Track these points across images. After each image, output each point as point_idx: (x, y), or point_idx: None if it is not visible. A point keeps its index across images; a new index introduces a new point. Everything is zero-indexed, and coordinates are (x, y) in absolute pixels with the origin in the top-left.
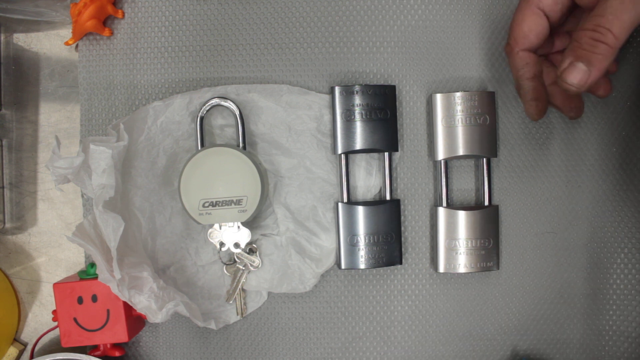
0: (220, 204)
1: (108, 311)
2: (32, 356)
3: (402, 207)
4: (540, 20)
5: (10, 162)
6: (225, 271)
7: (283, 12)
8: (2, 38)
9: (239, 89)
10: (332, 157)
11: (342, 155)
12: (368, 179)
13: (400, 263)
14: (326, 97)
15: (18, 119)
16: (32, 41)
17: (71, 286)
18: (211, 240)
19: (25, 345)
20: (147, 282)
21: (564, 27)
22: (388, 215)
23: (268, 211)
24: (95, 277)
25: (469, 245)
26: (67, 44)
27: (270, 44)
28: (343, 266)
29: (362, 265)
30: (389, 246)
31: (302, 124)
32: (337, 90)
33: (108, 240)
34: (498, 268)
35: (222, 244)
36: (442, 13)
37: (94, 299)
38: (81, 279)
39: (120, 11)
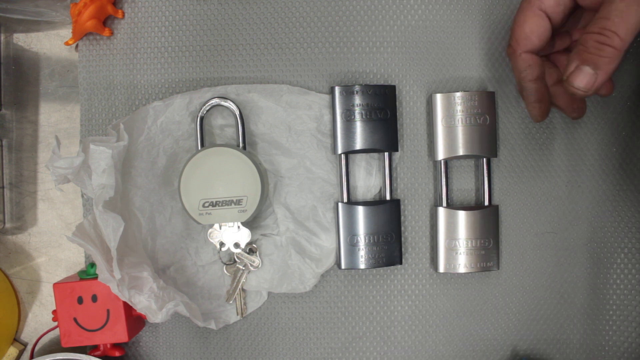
0: (220, 204)
1: (108, 311)
2: (32, 356)
3: (402, 207)
4: (542, 22)
5: (10, 162)
6: (225, 271)
7: (283, 12)
8: (2, 38)
9: (239, 89)
10: (332, 157)
11: (342, 155)
12: (368, 179)
13: (400, 263)
14: (326, 97)
15: (18, 119)
16: (32, 41)
17: (71, 286)
18: (211, 240)
19: (25, 345)
20: (147, 282)
21: (564, 27)
22: (388, 215)
23: (268, 211)
24: (95, 277)
25: (469, 245)
26: (67, 44)
27: (270, 44)
28: (343, 266)
29: (362, 265)
30: (389, 246)
31: (302, 124)
32: (337, 90)
33: (108, 240)
34: (498, 268)
35: (222, 244)
36: (442, 13)
37: (94, 299)
38: (81, 279)
39: (120, 11)
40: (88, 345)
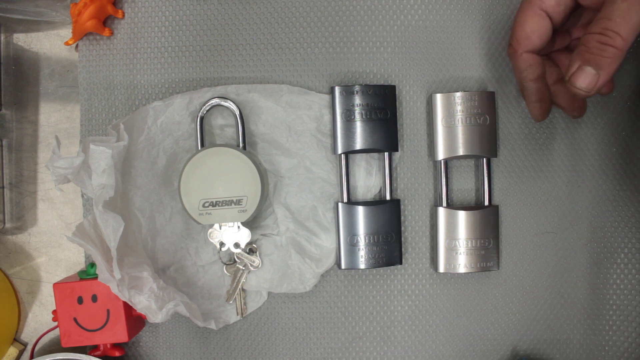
0: (220, 204)
1: (108, 311)
2: (32, 356)
3: (402, 207)
4: (543, 22)
5: (10, 162)
6: (225, 271)
7: (283, 12)
8: (2, 38)
9: (239, 89)
10: (332, 157)
11: (342, 155)
12: (368, 179)
13: (400, 263)
14: (326, 97)
15: (18, 119)
16: (32, 41)
17: (71, 286)
18: (211, 240)
19: (25, 345)
20: (147, 282)
21: (564, 26)
22: (388, 215)
23: (268, 211)
24: (95, 277)
25: (469, 245)
26: (67, 44)
27: (270, 44)
28: (343, 266)
29: (362, 265)
30: (389, 246)
31: (302, 124)
32: (337, 90)
33: (108, 240)
34: (498, 268)
35: (222, 244)
36: (442, 13)
37: (94, 299)
38: (81, 279)
39: (120, 11)
40: (88, 345)
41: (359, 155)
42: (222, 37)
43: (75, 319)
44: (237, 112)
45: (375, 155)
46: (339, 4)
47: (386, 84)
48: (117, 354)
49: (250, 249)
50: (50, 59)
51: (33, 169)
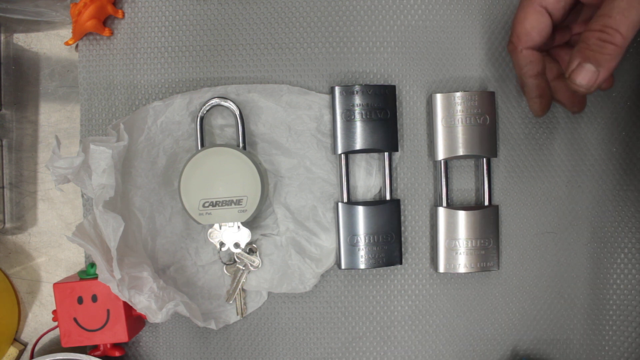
0: (220, 204)
1: (108, 311)
2: (32, 356)
3: (402, 207)
4: (543, 18)
5: (10, 162)
6: (225, 271)
7: (283, 12)
8: (2, 38)
9: (239, 89)
10: (332, 157)
11: (342, 155)
12: (368, 179)
13: (400, 263)
14: (326, 97)
15: (18, 119)
16: (32, 41)
17: (71, 286)
18: (211, 240)
19: (25, 345)
20: (147, 282)
21: (564, 21)
22: (388, 215)
23: (268, 211)
24: (95, 277)
25: (469, 245)
26: (67, 44)
27: (270, 44)
28: (343, 266)
29: (362, 265)
30: (389, 246)
31: (302, 124)
32: (337, 90)
33: (108, 240)
34: (498, 268)
35: (222, 244)
36: (442, 13)
37: (94, 299)
38: (81, 279)
39: (120, 11)
40: (88, 345)
41: (359, 155)
42: (222, 37)
43: (75, 319)
44: (237, 112)
45: (375, 155)
46: (339, 4)
47: (386, 84)
48: (117, 354)
49: (250, 249)
50: (50, 59)
51: (33, 169)
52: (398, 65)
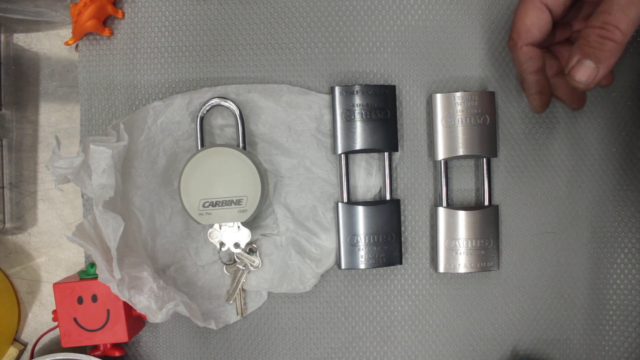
0: (220, 204)
1: (108, 311)
2: (32, 356)
3: (402, 207)
4: (543, 15)
5: (10, 162)
6: (225, 271)
7: (283, 12)
8: (2, 38)
9: (239, 89)
10: (332, 157)
11: (342, 155)
12: (368, 179)
13: (400, 263)
14: (326, 97)
15: (18, 119)
16: (32, 41)
17: (71, 286)
18: (211, 240)
19: (25, 345)
20: (147, 282)
21: (565, 18)
22: (388, 215)
23: (268, 211)
24: (95, 277)
25: (469, 245)
26: (67, 44)
27: (270, 44)
28: (343, 266)
29: (362, 265)
30: (389, 246)
31: (302, 124)
32: (337, 90)
33: (108, 240)
34: (498, 268)
35: (222, 244)
36: (442, 13)
37: (94, 299)
38: (81, 279)
39: (120, 11)
40: (88, 345)
41: (359, 155)
42: (222, 37)
43: (75, 319)
44: (237, 112)
45: (375, 155)
46: (339, 4)
47: (386, 84)
48: (117, 354)
49: (250, 249)
50: (50, 59)
51: (33, 169)
52: (398, 65)
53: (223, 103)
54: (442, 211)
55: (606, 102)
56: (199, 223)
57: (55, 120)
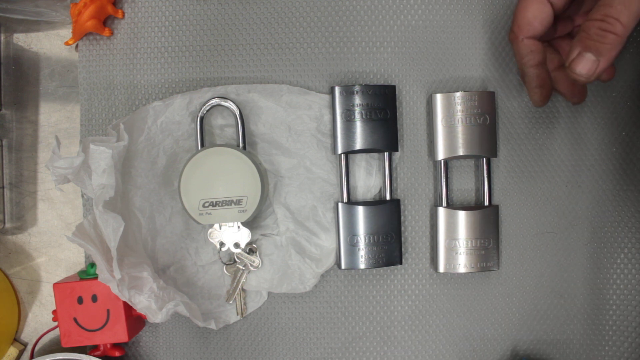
0: (220, 204)
1: (108, 311)
2: (32, 356)
3: (402, 207)
4: (545, 8)
5: (10, 162)
6: (225, 271)
7: (283, 12)
8: (2, 38)
9: (239, 89)
10: (332, 157)
11: (342, 155)
12: (368, 179)
13: (400, 263)
14: (326, 97)
15: (18, 119)
16: (32, 41)
17: (71, 286)
18: (211, 240)
19: (25, 345)
20: (147, 282)
21: (566, 12)
22: (388, 215)
23: (268, 211)
24: (95, 277)
25: (469, 245)
26: (67, 44)
27: (270, 44)
28: (343, 266)
29: (362, 265)
30: (389, 246)
31: (302, 124)
32: (337, 90)
33: (108, 240)
34: (498, 268)
35: (222, 244)
36: (442, 13)
37: (94, 299)
38: (81, 279)
39: (120, 11)
40: (88, 345)
41: (359, 155)
42: (222, 37)
43: (75, 319)
44: (237, 112)
45: (375, 155)
46: (339, 4)
47: (386, 84)
48: (117, 354)
49: (250, 249)
50: (50, 59)
51: (33, 169)
52: (398, 65)
53: (223, 103)
54: (442, 211)
55: (606, 101)
56: (199, 223)
57: (55, 120)
